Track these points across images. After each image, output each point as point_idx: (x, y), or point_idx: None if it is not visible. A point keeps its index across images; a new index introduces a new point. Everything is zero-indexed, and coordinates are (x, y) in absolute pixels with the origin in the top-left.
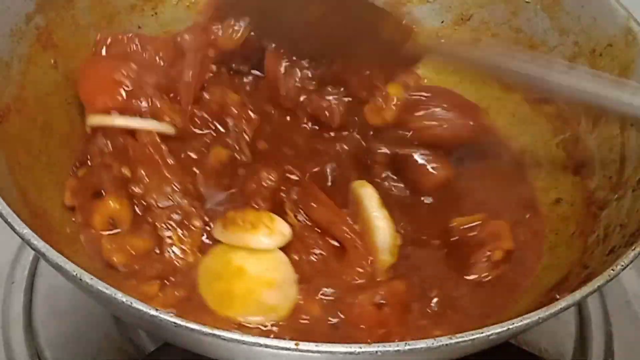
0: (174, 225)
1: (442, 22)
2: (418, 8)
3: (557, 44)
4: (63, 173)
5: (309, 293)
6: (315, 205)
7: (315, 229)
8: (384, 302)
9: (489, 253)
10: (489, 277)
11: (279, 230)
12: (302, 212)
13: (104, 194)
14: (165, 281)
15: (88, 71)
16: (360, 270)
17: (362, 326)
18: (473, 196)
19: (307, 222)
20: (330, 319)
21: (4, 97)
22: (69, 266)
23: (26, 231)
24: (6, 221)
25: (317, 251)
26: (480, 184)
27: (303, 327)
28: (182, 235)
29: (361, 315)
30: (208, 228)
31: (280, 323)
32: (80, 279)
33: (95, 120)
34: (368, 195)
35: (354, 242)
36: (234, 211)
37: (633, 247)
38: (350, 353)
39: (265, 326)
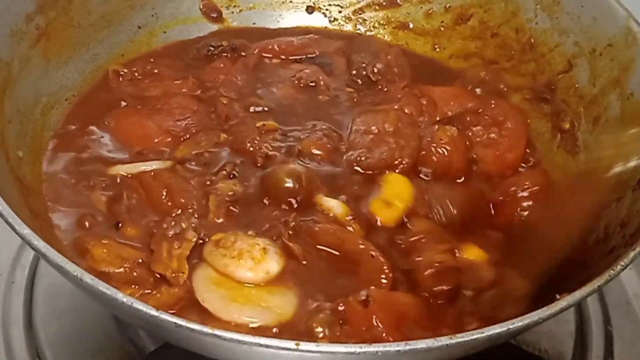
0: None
1: (442, 21)
2: (417, 8)
3: (557, 44)
4: None
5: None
6: (317, 228)
7: (321, 247)
8: (370, 299)
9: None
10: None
11: (264, 267)
12: (305, 238)
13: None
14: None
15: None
16: (384, 279)
17: (362, 327)
18: None
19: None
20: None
21: (5, 97)
22: (70, 266)
23: (27, 231)
24: (7, 221)
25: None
26: None
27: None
28: (173, 246)
29: (351, 315)
30: (201, 242)
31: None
32: (81, 279)
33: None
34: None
35: (369, 251)
36: (228, 233)
37: (633, 248)
38: (351, 353)
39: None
